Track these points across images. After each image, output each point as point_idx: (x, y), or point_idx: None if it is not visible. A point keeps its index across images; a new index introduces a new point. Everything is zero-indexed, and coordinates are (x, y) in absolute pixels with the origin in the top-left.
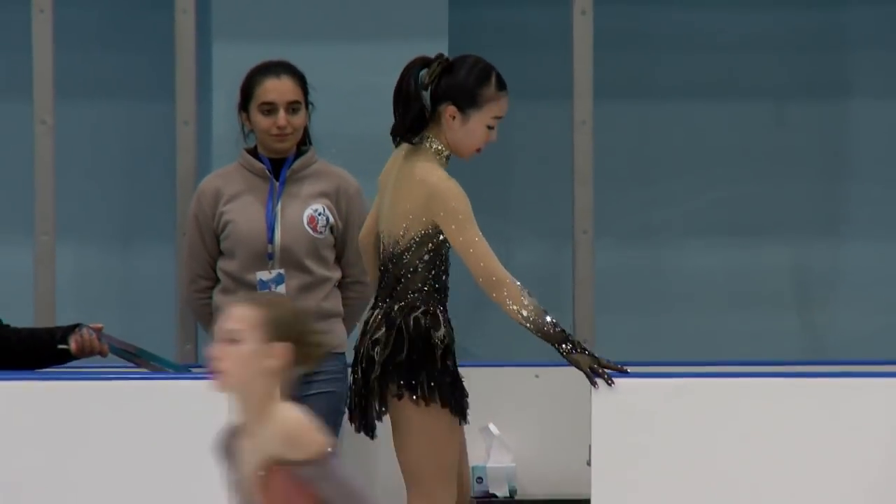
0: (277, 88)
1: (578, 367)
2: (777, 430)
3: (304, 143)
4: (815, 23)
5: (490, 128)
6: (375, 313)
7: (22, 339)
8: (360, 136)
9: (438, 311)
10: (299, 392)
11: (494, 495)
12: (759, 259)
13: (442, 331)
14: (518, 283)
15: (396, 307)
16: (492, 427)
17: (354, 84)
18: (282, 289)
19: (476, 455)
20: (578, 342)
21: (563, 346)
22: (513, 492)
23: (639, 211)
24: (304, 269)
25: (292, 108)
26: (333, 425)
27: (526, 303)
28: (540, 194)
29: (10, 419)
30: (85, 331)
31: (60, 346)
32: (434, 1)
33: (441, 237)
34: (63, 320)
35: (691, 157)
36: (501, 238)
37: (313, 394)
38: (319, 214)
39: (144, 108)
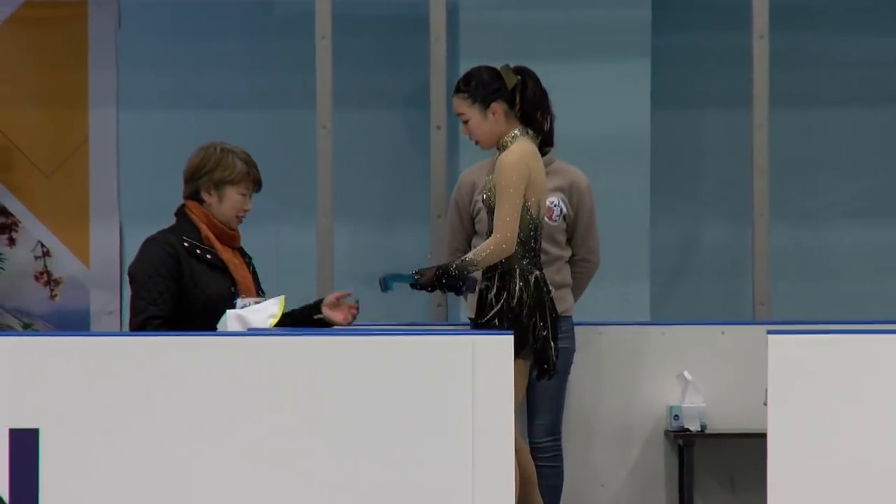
0: None
1: (426, 282)
2: None
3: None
4: None
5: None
6: None
7: (295, 319)
8: (582, 138)
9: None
10: None
11: (688, 429)
12: None
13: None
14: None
15: None
16: (686, 374)
17: (575, 96)
18: None
19: (673, 397)
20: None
21: (444, 278)
22: (703, 427)
23: (804, 197)
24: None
25: None
26: (566, 372)
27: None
28: (725, 184)
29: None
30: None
31: (316, 317)
32: (640, 27)
33: None
34: (340, 287)
35: (845, 153)
36: (694, 219)
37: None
38: (555, 206)
39: (405, 115)
